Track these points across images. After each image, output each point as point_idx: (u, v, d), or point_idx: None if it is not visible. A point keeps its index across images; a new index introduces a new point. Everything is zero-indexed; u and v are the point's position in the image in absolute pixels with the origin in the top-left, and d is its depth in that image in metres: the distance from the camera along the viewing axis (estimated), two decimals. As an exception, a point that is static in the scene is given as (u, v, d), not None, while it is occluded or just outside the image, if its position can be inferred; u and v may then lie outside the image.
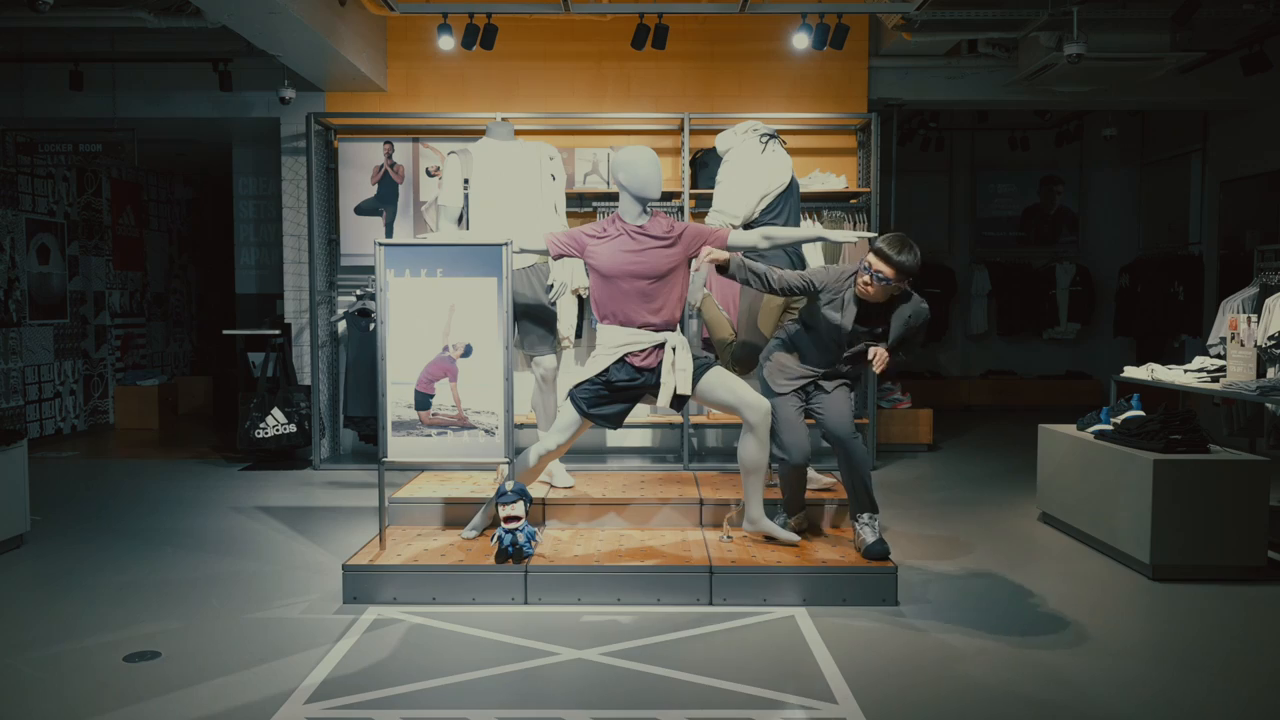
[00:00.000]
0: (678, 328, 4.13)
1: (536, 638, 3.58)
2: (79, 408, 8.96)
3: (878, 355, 3.97)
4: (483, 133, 5.06)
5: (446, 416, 4.19)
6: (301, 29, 5.61)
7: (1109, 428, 4.87)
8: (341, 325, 7.07)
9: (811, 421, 4.27)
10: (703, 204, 6.53)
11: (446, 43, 6.29)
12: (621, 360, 4.06)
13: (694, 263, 4.17)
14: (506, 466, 4.33)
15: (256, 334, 7.25)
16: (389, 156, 7.09)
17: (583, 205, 7.02)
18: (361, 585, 3.99)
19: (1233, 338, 4.90)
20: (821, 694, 3.09)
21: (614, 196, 6.88)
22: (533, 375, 4.89)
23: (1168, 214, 10.04)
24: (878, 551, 4.04)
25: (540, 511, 4.65)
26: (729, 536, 4.41)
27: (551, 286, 4.83)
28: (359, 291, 6.96)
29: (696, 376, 4.06)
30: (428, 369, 4.18)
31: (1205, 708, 3.05)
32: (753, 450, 4.08)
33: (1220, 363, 5.14)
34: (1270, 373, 4.82)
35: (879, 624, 3.73)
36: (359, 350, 6.67)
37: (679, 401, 4.06)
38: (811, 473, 4.88)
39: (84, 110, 7.32)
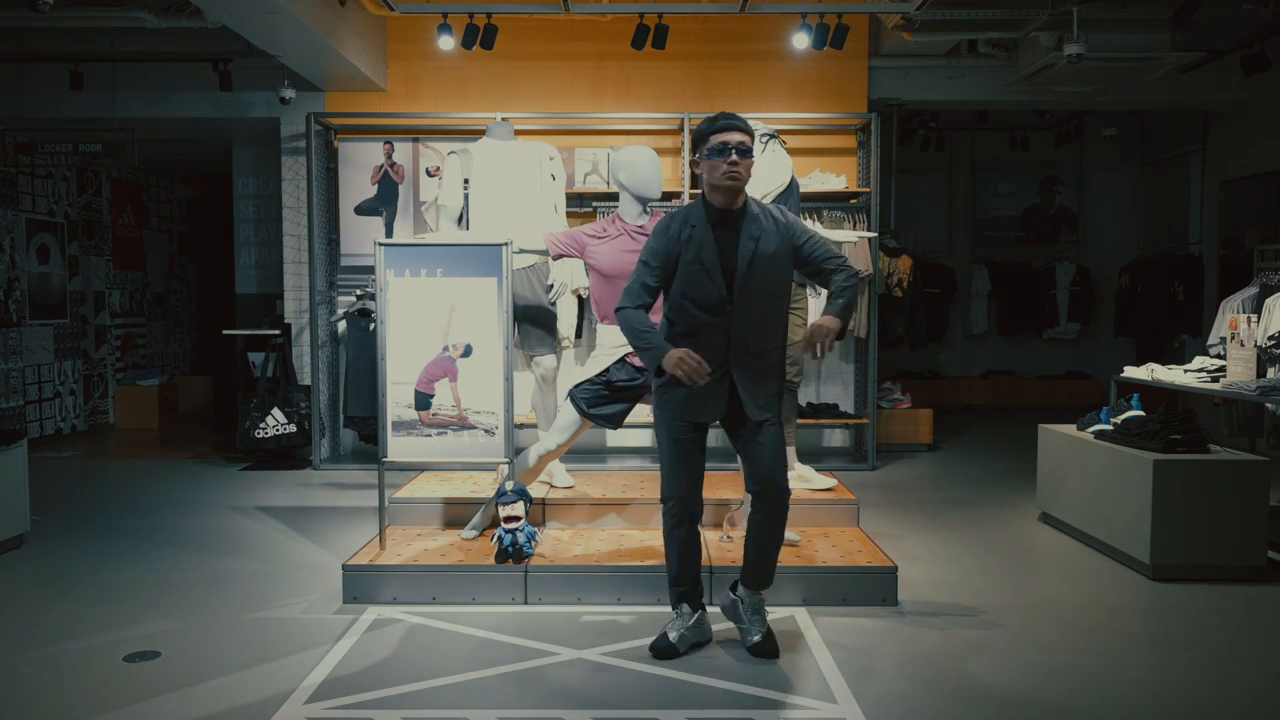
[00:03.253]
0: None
1: (536, 638, 3.57)
2: (79, 408, 8.96)
3: (822, 330, 3.11)
4: (483, 133, 5.05)
5: (446, 416, 4.19)
6: (301, 29, 5.61)
7: (1109, 428, 4.87)
8: (341, 325, 7.07)
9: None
10: (703, 204, 6.52)
11: (446, 43, 6.29)
12: (622, 360, 4.06)
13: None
14: (506, 466, 4.33)
15: (256, 334, 7.25)
16: (389, 156, 7.09)
17: (583, 205, 7.02)
18: (361, 585, 3.98)
19: (1233, 338, 4.90)
20: (821, 694, 3.09)
21: (614, 196, 6.88)
22: (533, 375, 4.89)
23: (1168, 214, 10.04)
24: (770, 649, 3.40)
25: (540, 511, 4.65)
26: (729, 536, 4.41)
27: (551, 287, 4.83)
28: (359, 291, 6.96)
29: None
30: (428, 369, 4.18)
31: (1205, 708, 3.05)
32: (753, 450, 4.08)
33: (1220, 363, 5.14)
34: (1270, 373, 4.82)
35: (879, 624, 3.73)
36: (359, 350, 6.66)
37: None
38: (810, 471, 4.89)
39: (84, 110, 7.32)
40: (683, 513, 3.36)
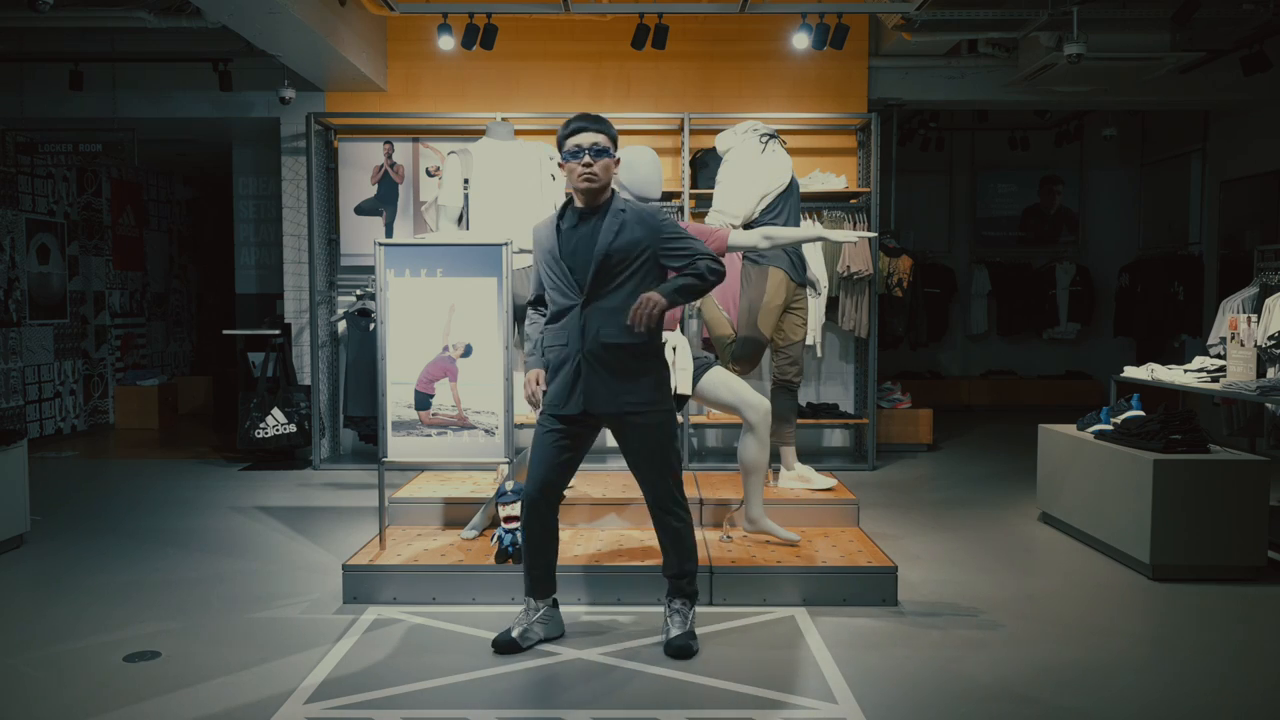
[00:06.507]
0: (678, 327, 4.13)
1: (536, 638, 3.57)
2: (79, 408, 8.96)
3: (646, 302, 3.13)
4: (483, 133, 5.06)
5: (446, 416, 4.19)
6: (301, 29, 5.61)
7: (1109, 428, 4.87)
8: (341, 325, 7.08)
9: None
10: (703, 204, 6.53)
11: (446, 43, 6.29)
12: (621, 360, 4.05)
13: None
14: (506, 466, 4.33)
15: (256, 334, 7.25)
16: (389, 156, 7.09)
17: (583, 205, 7.01)
18: (361, 585, 3.98)
19: (1233, 338, 4.90)
20: (821, 694, 3.09)
21: (614, 196, 6.87)
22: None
23: (1168, 214, 10.04)
24: (681, 647, 3.37)
25: (540, 511, 4.64)
26: (729, 536, 4.41)
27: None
28: (359, 291, 6.96)
29: (697, 376, 4.06)
30: (428, 369, 4.18)
31: (1205, 708, 3.05)
32: (753, 450, 4.09)
33: (1220, 363, 5.14)
34: (1270, 373, 4.82)
35: (879, 624, 3.73)
36: (359, 350, 6.67)
37: (679, 401, 4.05)
38: (810, 471, 4.89)
39: (84, 110, 7.32)
40: (531, 507, 3.40)
